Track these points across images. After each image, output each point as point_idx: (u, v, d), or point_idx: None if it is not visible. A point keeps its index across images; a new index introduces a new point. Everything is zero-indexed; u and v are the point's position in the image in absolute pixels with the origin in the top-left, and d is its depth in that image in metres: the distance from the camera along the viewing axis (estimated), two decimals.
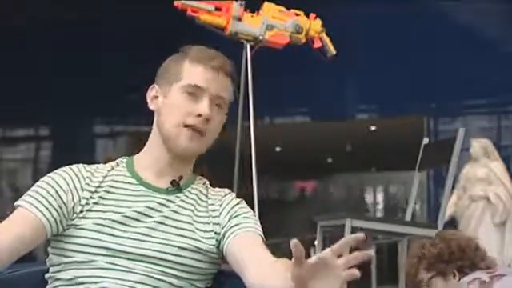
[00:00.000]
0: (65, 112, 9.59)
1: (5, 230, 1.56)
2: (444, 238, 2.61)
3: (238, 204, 1.72)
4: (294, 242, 1.25)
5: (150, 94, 1.73)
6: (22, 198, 1.63)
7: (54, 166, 1.78)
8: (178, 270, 1.62)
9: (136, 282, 1.59)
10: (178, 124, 1.66)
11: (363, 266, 1.28)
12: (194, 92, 1.66)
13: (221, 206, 1.71)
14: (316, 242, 4.06)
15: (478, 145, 6.63)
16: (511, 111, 9.03)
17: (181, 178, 1.70)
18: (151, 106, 1.73)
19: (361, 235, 1.26)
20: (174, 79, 1.69)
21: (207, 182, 1.77)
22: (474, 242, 2.59)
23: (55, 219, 1.61)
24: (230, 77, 1.72)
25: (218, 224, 1.68)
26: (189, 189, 1.72)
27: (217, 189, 1.77)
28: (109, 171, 1.70)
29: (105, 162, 1.74)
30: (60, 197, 1.62)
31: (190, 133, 1.65)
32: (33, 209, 1.60)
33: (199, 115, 1.65)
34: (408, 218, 3.88)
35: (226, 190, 1.77)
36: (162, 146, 1.69)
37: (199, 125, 1.65)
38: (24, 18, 9.17)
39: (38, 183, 1.66)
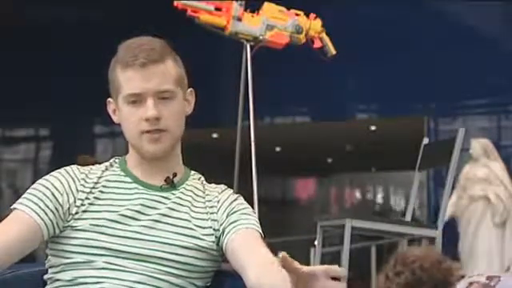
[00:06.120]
0: (65, 112, 9.59)
1: (2, 233, 1.56)
2: (405, 262, 2.47)
3: (235, 200, 1.71)
4: (282, 255, 1.24)
5: (109, 108, 1.72)
6: (18, 200, 1.63)
7: (54, 166, 1.78)
8: (177, 268, 1.62)
9: (136, 282, 1.58)
10: (137, 134, 1.64)
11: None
12: (135, 99, 1.63)
13: (218, 202, 1.70)
14: (316, 242, 4.05)
15: (478, 145, 6.63)
16: (511, 111, 9.03)
17: (175, 175, 1.69)
18: (115, 120, 1.71)
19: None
20: (117, 91, 1.66)
21: (202, 178, 1.76)
22: (435, 256, 2.48)
23: (51, 221, 1.61)
24: (165, 58, 1.65)
25: (215, 220, 1.67)
26: (184, 185, 1.71)
27: (213, 185, 1.76)
28: (103, 172, 1.70)
29: (81, 164, 1.73)
30: (56, 198, 1.62)
31: (149, 137, 1.64)
32: (29, 211, 1.60)
33: (147, 119, 1.62)
34: (408, 218, 3.88)
35: (223, 186, 1.76)
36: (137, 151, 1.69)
37: (152, 127, 1.63)
38: (24, 18, 9.17)
39: (33, 186, 1.65)
